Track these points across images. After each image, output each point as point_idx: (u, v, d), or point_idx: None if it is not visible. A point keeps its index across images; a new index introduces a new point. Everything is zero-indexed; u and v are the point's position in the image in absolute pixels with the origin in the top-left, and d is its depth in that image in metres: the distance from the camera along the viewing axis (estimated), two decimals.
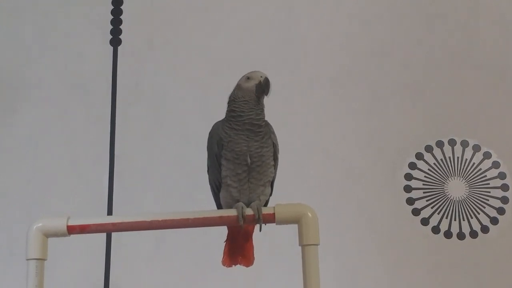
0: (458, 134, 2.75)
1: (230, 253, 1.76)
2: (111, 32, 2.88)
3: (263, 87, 1.69)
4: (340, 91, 2.81)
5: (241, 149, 1.63)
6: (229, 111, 1.68)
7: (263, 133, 1.67)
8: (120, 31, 2.88)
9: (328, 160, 2.72)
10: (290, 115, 2.73)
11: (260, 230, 1.67)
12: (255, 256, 1.77)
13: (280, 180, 1.77)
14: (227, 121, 1.67)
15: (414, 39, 2.86)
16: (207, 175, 1.78)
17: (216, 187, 1.71)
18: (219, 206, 1.76)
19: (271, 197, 1.74)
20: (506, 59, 2.83)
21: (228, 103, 1.71)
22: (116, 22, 2.89)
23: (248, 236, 1.74)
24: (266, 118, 1.70)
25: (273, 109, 1.74)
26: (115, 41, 2.87)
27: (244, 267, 1.77)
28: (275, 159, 1.71)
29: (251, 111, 1.66)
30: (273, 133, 1.71)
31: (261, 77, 1.69)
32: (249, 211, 1.60)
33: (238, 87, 1.70)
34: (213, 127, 1.72)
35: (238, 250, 1.75)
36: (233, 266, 1.77)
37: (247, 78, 1.70)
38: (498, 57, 2.83)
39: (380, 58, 2.84)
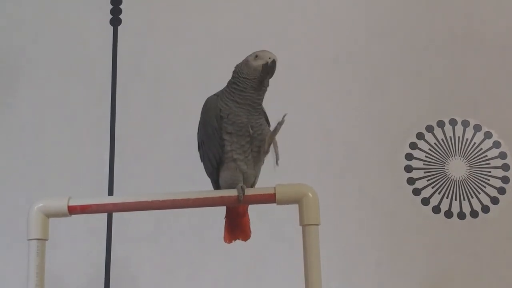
0: (459, 114, 2.75)
1: (230, 230, 1.78)
2: (111, 11, 2.87)
3: (268, 69, 1.67)
4: (341, 71, 2.80)
5: (242, 120, 1.63)
6: (232, 83, 1.67)
7: (260, 110, 1.68)
8: (120, 11, 2.87)
9: (328, 141, 2.72)
10: (291, 95, 2.73)
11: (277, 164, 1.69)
12: (256, 235, 1.79)
13: (280, 161, 1.77)
14: (229, 93, 1.66)
15: (415, 18, 2.85)
16: None
17: (216, 162, 1.70)
18: (216, 183, 1.75)
19: (271, 178, 1.74)
20: (508, 39, 2.82)
21: (233, 74, 1.69)
22: (116, 1, 2.88)
23: (244, 212, 1.76)
24: (266, 99, 1.69)
25: (273, 90, 1.73)
26: (115, 21, 2.86)
27: (244, 248, 1.80)
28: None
29: (252, 89, 1.66)
30: (265, 113, 1.72)
31: (269, 58, 1.67)
32: (248, 191, 1.61)
33: (246, 63, 1.68)
34: (208, 100, 1.70)
35: (236, 225, 1.77)
36: (233, 241, 1.79)
37: (256, 56, 1.67)
38: (500, 36, 2.82)
39: (381, 38, 2.83)
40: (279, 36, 2.82)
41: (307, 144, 2.71)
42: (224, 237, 1.78)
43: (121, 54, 2.82)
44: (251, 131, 1.64)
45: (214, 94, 1.71)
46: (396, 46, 2.82)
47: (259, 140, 1.66)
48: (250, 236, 1.79)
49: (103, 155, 2.71)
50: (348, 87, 2.78)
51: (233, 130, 1.64)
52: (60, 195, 1.61)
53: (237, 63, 1.72)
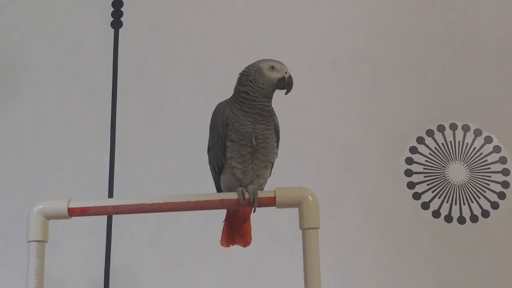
0: (460, 118, 2.75)
1: (228, 233, 1.78)
2: (112, 14, 2.87)
3: (286, 85, 1.69)
4: (341, 74, 2.80)
5: (246, 130, 1.63)
6: (242, 91, 1.65)
7: (269, 117, 1.67)
8: (121, 13, 2.87)
9: (329, 144, 2.72)
10: (291, 97, 2.72)
11: (254, 211, 1.69)
12: (255, 238, 1.79)
13: (280, 164, 1.77)
14: (236, 102, 1.66)
15: (416, 23, 2.85)
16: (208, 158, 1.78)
17: (218, 167, 1.71)
18: (218, 187, 1.76)
19: (271, 181, 1.74)
20: (509, 43, 2.82)
21: (242, 81, 1.67)
22: (117, 4, 2.88)
23: (246, 217, 1.76)
24: None
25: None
26: (116, 23, 2.86)
27: (243, 251, 1.79)
28: (277, 140, 1.71)
29: (264, 98, 1.65)
30: (275, 115, 1.71)
31: (286, 73, 1.68)
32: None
33: (259, 71, 1.66)
34: (217, 107, 1.71)
35: (236, 230, 1.77)
36: (231, 246, 1.79)
37: (272, 67, 1.67)
38: (501, 41, 2.82)
39: (382, 42, 2.83)
40: (279, 38, 2.82)
41: (308, 148, 2.71)
42: (221, 241, 1.78)
43: (122, 56, 2.82)
44: (254, 142, 1.63)
45: (225, 101, 1.70)
46: (397, 50, 2.82)
47: (261, 152, 1.66)
48: (250, 243, 1.79)
49: (103, 157, 2.71)
50: (348, 91, 2.78)
51: (236, 138, 1.64)
52: (60, 197, 1.62)
53: (238, 66, 1.71)
